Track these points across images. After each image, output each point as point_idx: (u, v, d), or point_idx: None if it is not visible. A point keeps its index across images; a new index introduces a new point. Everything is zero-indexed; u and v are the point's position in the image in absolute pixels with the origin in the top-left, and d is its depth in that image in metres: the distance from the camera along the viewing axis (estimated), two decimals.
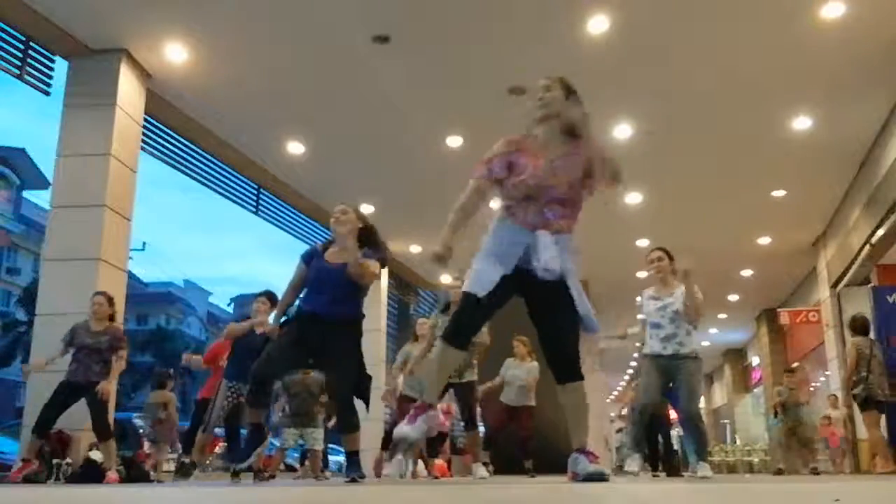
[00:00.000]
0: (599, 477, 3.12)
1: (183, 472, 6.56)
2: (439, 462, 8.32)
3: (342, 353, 4.30)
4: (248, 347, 6.21)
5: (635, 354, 5.96)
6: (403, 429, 3.24)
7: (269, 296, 6.39)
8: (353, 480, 4.15)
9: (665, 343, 5.39)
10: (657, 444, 7.82)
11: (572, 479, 3.24)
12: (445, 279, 14.23)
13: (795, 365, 13.55)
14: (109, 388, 5.91)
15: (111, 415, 6.57)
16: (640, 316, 5.72)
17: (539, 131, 3.35)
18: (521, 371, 7.75)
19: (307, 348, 4.33)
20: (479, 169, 3.36)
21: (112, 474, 5.92)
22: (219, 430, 7.24)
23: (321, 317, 4.29)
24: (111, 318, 6.17)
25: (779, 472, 9.84)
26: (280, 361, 4.38)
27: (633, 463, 5.72)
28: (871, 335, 7.81)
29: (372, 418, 9.31)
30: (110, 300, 6.18)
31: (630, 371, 20.94)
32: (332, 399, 4.98)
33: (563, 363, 3.24)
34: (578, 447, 3.28)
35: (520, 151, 3.31)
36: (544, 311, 3.27)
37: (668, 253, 5.65)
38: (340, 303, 4.32)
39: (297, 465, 9.37)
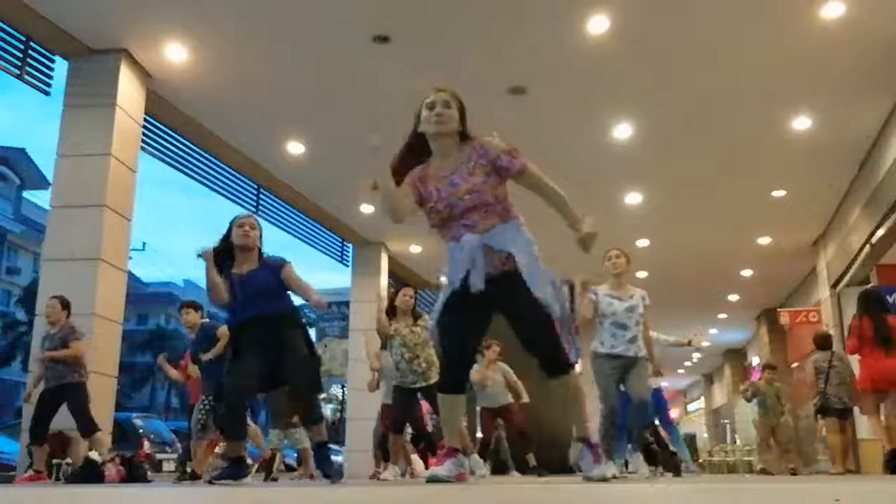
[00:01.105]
0: (603, 481, 3.12)
1: (181, 479, 6.58)
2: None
3: (291, 348, 4.30)
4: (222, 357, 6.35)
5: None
6: (436, 471, 3.21)
7: (194, 304, 6.81)
8: (328, 476, 4.22)
9: (629, 345, 5.39)
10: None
11: (578, 471, 3.26)
12: (445, 279, 14.26)
13: (791, 365, 13.54)
14: (57, 355, 5.97)
15: (110, 415, 6.59)
16: (591, 297, 5.54)
17: (432, 144, 3.35)
18: (496, 375, 7.74)
19: (262, 357, 4.27)
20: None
21: (111, 471, 5.90)
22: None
23: (261, 317, 4.30)
24: (69, 318, 6.22)
25: (763, 472, 9.81)
26: (246, 387, 4.35)
27: (636, 463, 5.72)
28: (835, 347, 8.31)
29: (368, 418, 9.33)
30: (63, 304, 6.22)
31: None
32: (291, 395, 4.97)
33: (543, 358, 3.20)
34: (580, 436, 3.28)
35: (423, 182, 3.31)
36: (508, 311, 3.24)
37: (626, 254, 5.66)
38: (275, 301, 4.36)
39: (297, 465, 9.37)
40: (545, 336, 3.17)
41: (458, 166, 3.28)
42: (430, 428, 7.00)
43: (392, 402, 6.22)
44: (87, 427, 6.03)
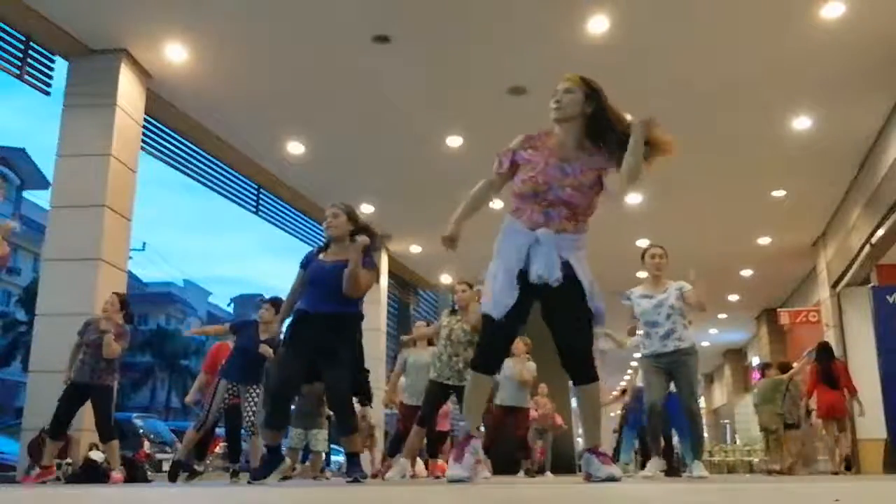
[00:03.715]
0: (612, 480, 3.13)
1: (173, 472, 6.50)
2: (440, 462, 8.32)
3: (337, 353, 4.28)
4: (246, 348, 6.22)
5: (636, 354, 5.89)
6: (456, 471, 3.19)
7: (274, 302, 6.36)
8: (356, 481, 4.15)
9: (665, 340, 5.35)
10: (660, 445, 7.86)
11: (587, 480, 3.25)
12: (446, 279, 14.28)
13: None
14: (113, 343, 5.88)
15: (111, 415, 6.58)
16: (625, 302, 5.58)
17: (557, 131, 3.34)
18: (518, 368, 7.73)
19: (310, 352, 4.31)
20: (494, 160, 3.41)
21: (117, 474, 5.92)
22: (219, 430, 7.24)
23: (314, 314, 4.29)
24: (126, 319, 6.16)
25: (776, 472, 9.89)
26: (293, 378, 4.39)
27: (652, 465, 5.71)
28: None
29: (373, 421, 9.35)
30: (123, 302, 6.16)
31: (629, 372, 20.89)
32: (330, 402, 4.96)
33: (576, 364, 3.23)
34: (591, 447, 3.28)
35: (533, 149, 3.32)
36: (554, 311, 3.25)
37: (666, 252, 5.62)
38: (334, 300, 4.30)
39: (297, 464, 9.36)
40: (585, 345, 3.24)
41: (578, 156, 3.28)
42: (444, 428, 7.03)
43: (426, 394, 6.18)
44: (107, 433, 5.99)
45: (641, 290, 5.54)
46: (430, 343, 6.82)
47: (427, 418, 6.18)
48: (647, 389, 5.56)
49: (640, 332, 5.54)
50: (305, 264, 4.50)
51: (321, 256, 4.45)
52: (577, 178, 3.23)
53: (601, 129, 3.30)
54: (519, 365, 7.68)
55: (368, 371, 4.57)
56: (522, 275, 3.19)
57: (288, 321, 4.53)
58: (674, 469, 7.56)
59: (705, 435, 31.83)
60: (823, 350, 9.51)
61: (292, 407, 7.34)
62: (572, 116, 3.30)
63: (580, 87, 3.31)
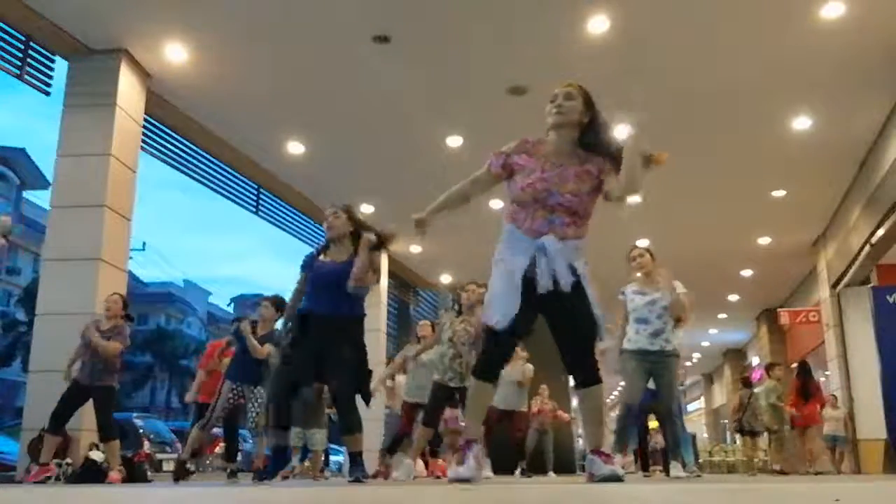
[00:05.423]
0: (614, 479, 3.13)
1: (178, 472, 6.51)
2: (440, 462, 8.33)
3: (341, 353, 4.30)
4: (245, 349, 6.21)
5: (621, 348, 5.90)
6: (460, 472, 3.20)
7: (275, 300, 6.37)
8: (357, 480, 4.15)
9: (653, 339, 5.36)
10: (646, 443, 7.92)
11: (589, 480, 3.26)
12: (445, 279, 14.28)
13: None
14: (104, 343, 5.89)
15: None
16: (620, 296, 5.60)
17: (552, 137, 3.35)
18: (515, 374, 7.74)
19: (314, 353, 4.32)
20: (489, 158, 3.42)
21: (115, 474, 5.92)
22: (217, 430, 7.21)
23: (319, 315, 4.30)
24: (127, 318, 6.17)
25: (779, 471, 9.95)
26: (298, 379, 4.44)
27: (676, 469, 5.71)
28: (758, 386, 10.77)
29: (371, 418, 9.34)
30: (125, 303, 6.18)
31: None
32: (334, 402, 4.97)
33: (580, 367, 3.24)
34: (593, 448, 3.29)
35: (527, 154, 3.32)
36: (559, 316, 3.25)
37: (650, 251, 5.67)
38: (338, 302, 4.32)
39: (295, 464, 9.36)
40: (588, 348, 3.25)
41: (574, 162, 3.29)
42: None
43: (430, 395, 6.18)
44: (108, 433, 5.99)
45: (635, 286, 5.55)
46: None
47: (431, 419, 6.18)
48: (626, 389, 5.56)
49: (628, 327, 5.52)
50: (306, 266, 4.51)
51: (321, 258, 4.46)
52: (575, 183, 3.23)
53: (594, 140, 3.33)
54: (518, 370, 7.70)
55: (371, 372, 4.57)
56: (527, 283, 3.17)
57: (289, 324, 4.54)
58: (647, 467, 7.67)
59: (704, 435, 31.81)
60: (802, 368, 10.78)
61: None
62: (570, 122, 3.31)
63: (580, 94, 3.35)
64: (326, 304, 4.31)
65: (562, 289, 3.14)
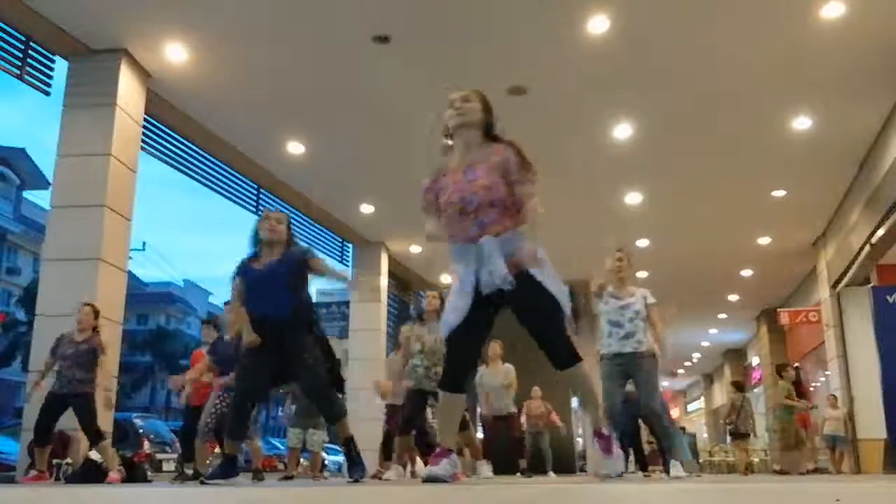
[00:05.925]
0: (611, 477, 3.17)
1: (179, 479, 6.57)
2: None
3: (302, 350, 4.30)
4: (219, 361, 6.38)
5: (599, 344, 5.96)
6: (433, 470, 3.19)
7: (212, 321, 6.71)
8: (357, 481, 4.14)
9: (624, 342, 5.39)
10: (641, 443, 7.97)
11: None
12: (446, 279, 14.26)
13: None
14: (101, 396, 5.98)
15: (111, 416, 6.58)
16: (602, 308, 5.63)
17: (457, 141, 3.41)
18: (498, 376, 7.75)
19: (272, 359, 4.29)
20: (421, 203, 3.50)
21: (114, 474, 5.93)
22: None
23: (264, 320, 4.30)
24: (95, 329, 6.17)
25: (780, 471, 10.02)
26: (253, 388, 4.38)
27: (677, 469, 5.72)
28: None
29: (372, 418, 9.33)
30: (96, 313, 6.19)
31: None
32: (308, 396, 4.97)
33: (553, 350, 3.24)
34: (594, 429, 3.34)
35: (445, 174, 3.40)
36: (516, 308, 3.26)
37: (629, 257, 5.74)
38: (279, 302, 4.32)
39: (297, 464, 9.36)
40: (556, 328, 3.22)
41: (478, 160, 3.32)
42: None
43: (405, 401, 6.20)
44: (95, 437, 6.01)
45: (611, 289, 5.58)
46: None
47: (407, 425, 6.20)
48: (604, 396, 5.51)
49: (602, 330, 5.56)
50: (240, 272, 4.47)
51: (254, 265, 4.43)
52: (486, 177, 3.26)
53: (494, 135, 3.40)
54: (501, 374, 7.70)
55: (339, 360, 4.58)
56: (477, 288, 3.21)
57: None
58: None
59: (704, 435, 31.82)
60: (795, 372, 11.35)
61: (291, 408, 7.36)
62: (472, 123, 3.38)
63: (478, 97, 3.42)
64: (270, 308, 4.30)
65: (503, 287, 3.15)
